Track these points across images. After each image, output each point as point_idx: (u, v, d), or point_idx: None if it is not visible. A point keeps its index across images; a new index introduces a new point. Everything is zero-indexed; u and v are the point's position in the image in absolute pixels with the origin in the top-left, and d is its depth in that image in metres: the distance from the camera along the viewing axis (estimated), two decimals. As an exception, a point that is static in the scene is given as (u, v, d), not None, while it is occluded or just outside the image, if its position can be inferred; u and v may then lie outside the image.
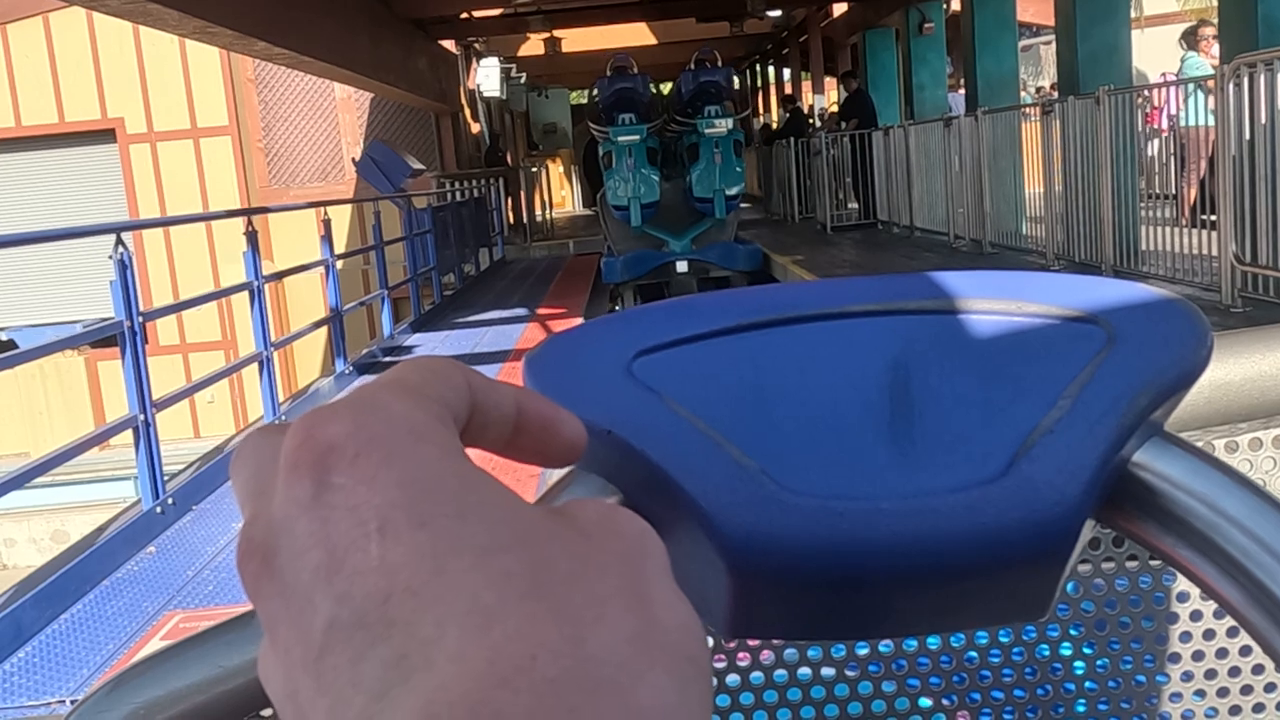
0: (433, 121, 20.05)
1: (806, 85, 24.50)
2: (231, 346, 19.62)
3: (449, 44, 19.96)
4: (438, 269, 12.44)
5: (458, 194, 16.14)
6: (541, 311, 11.57)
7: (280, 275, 8.12)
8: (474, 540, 0.21)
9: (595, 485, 0.33)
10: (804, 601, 0.32)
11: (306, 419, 0.23)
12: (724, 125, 13.88)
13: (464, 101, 21.27)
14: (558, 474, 0.35)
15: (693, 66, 14.86)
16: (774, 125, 27.18)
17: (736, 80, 17.90)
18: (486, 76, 22.25)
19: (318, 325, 8.19)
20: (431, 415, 0.24)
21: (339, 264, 9.23)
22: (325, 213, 8.28)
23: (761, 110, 31.60)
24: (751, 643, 0.51)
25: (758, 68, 32.40)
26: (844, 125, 15.45)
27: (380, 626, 0.21)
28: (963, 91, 18.17)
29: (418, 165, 12.35)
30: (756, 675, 0.51)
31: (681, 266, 14.22)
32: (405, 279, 11.28)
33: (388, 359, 9.28)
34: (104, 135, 18.99)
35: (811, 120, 20.74)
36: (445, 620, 0.20)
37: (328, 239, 8.22)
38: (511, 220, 19.72)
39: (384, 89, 14.45)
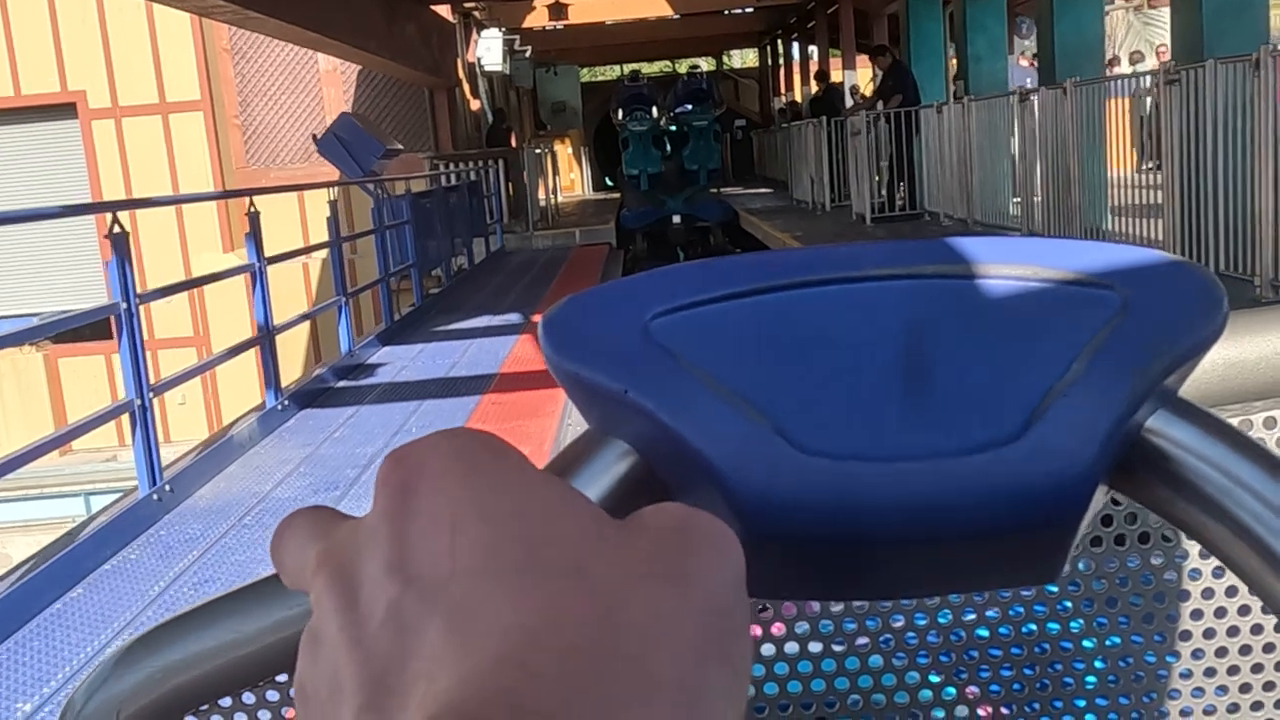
0: (426, 97, 18.24)
1: (836, 62, 22.57)
2: (204, 343, 17.92)
3: (444, 10, 18.12)
4: (418, 266, 10.66)
5: (452, 177, 14.37)
6: (538, 318, 9.78)
7: (183, 287, 6.32)
8: (530, 534, 0.24)
9: (609, 446, 0.33)
10: (817, 561, 0.32)
11: (398, 450, 0.26)
12: (705, 120, 19.79)
13: (463, 76, 19.47)
14: (571, 436, 0.34)
15: (685, 78, 22.59)
16: (798, 101, 25.43)
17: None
18: (488, 49, 20.55)
19: (235, 352, 6.36)
20: (503, 441, 0.27)
21: (315, 259, 7.56)
22: (251, 204, 6.46)
23: (783, 89, 29.71)
24: (763, 614, 0.50)
25: (779, 44, 30.50)
26: (882, 103, 13.62)
27: (439, 600, 0.23)
28: (1023, 62, 16.31)
29: (394, 145, 10.54)
30: (768, 647, 0.50)
31: (676, 219, 19.51)
32: (373, 280, 9.51)
33: (341, 383, 7.50)
34: (64, 110, 17.34)
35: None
36: (493, 595, 0.23)
37: (253, 237, 6.41)
38: (512, 206, 17.86)
39: (361, 57, 12.62)
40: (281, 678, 0.40)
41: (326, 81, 18.00)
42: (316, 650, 0.25)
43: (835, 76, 20.99)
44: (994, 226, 11.06)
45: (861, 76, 22.68)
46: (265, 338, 6.41)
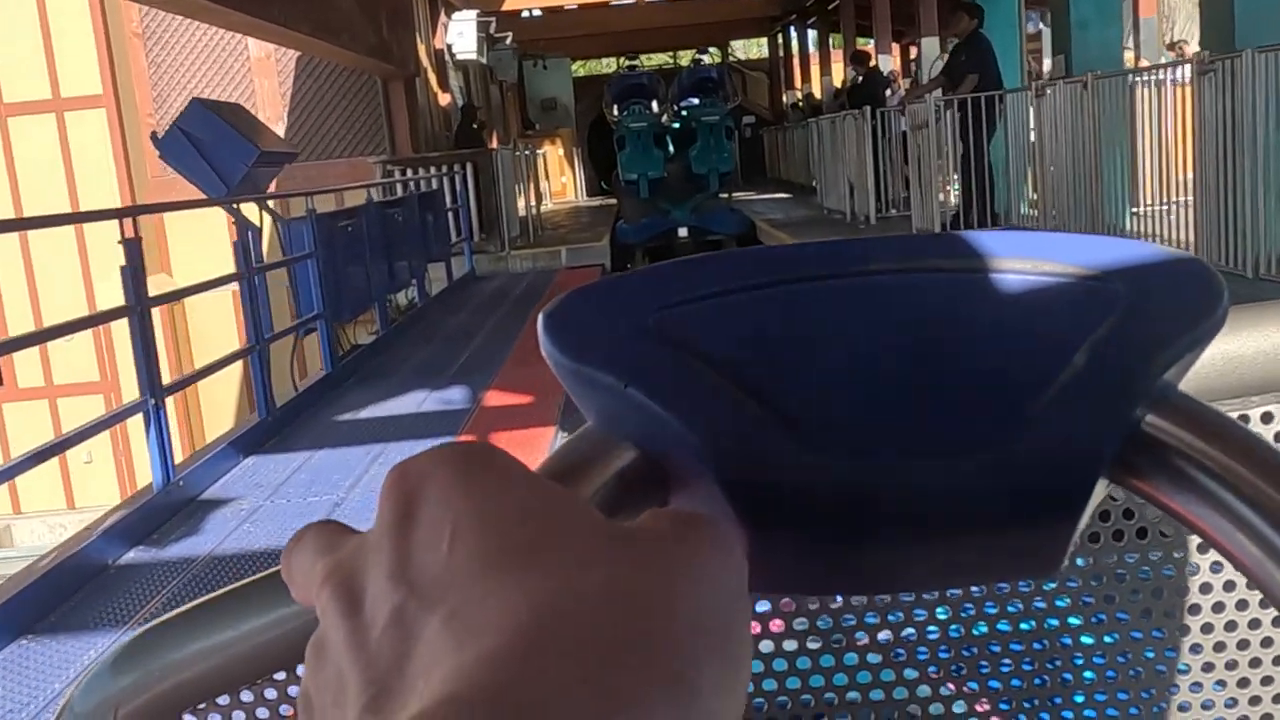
0: (380, 89, 15.15)
1: (868, 49, 19.44)
2: (113, 389, 14.85)
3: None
4: (327, 315, 7.54)
5: (397, 188, 11.30)
6: (492, 397, 6.68)
7: None
8: (530, 538, 0.25)
9: (610, 442, 0.33)
10: (818, 557, 0.32)
11: (401, 463, 0.27)
12: (716, 114, 16.74)
13: (428, 65, 16.38)
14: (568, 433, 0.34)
15: (691, 66, 20.05)
16: (816, 95, 22.42)
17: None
18: (459, 34, 17.59)
19: None
20: (504, 451, 0.28)
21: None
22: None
23: (799, 80, 26.60)
24: (761, 609, 0.50)
25: (791, 32, 27.41)
26: (949, 86, 10.53)
27: (437, 603, 0.24)
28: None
29: (277, 145, 7.41)
30: (766, 644, 0.50)
31: (683, 232, 16.49)
32: (232, 353, 6.40)
33: (129, 556, 4.37)
34: (-63, 109, 14.20)
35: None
36: (490, 595, 0.24)
37: None
38: (484, 220, 14.72)
39: (259, 27, 9.50)
40: (280, 675, 0.40)
41: (259, 71, 14.94)
42: (321, 659, 0.25)
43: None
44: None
45: (896, 64, 19.60)
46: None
